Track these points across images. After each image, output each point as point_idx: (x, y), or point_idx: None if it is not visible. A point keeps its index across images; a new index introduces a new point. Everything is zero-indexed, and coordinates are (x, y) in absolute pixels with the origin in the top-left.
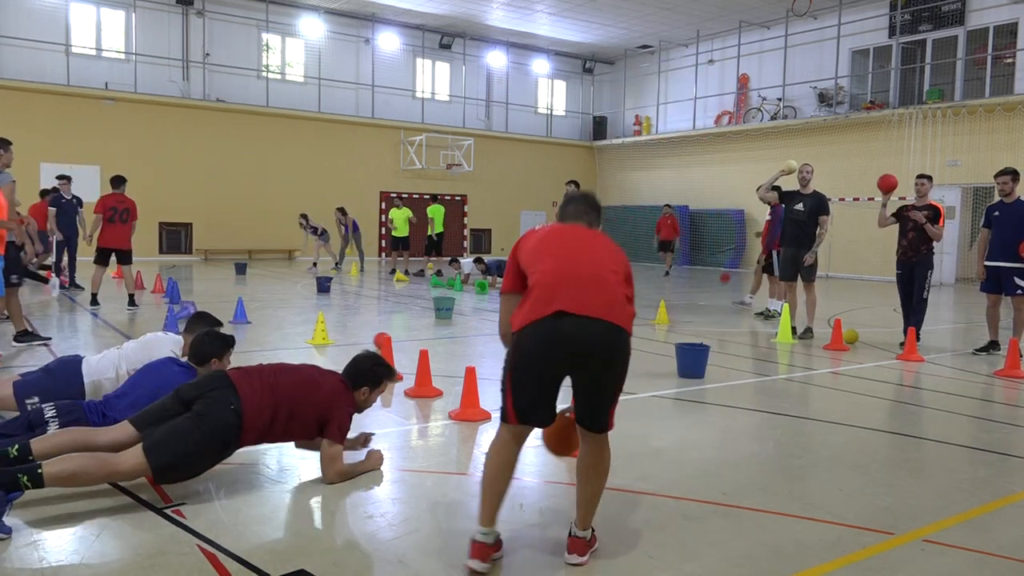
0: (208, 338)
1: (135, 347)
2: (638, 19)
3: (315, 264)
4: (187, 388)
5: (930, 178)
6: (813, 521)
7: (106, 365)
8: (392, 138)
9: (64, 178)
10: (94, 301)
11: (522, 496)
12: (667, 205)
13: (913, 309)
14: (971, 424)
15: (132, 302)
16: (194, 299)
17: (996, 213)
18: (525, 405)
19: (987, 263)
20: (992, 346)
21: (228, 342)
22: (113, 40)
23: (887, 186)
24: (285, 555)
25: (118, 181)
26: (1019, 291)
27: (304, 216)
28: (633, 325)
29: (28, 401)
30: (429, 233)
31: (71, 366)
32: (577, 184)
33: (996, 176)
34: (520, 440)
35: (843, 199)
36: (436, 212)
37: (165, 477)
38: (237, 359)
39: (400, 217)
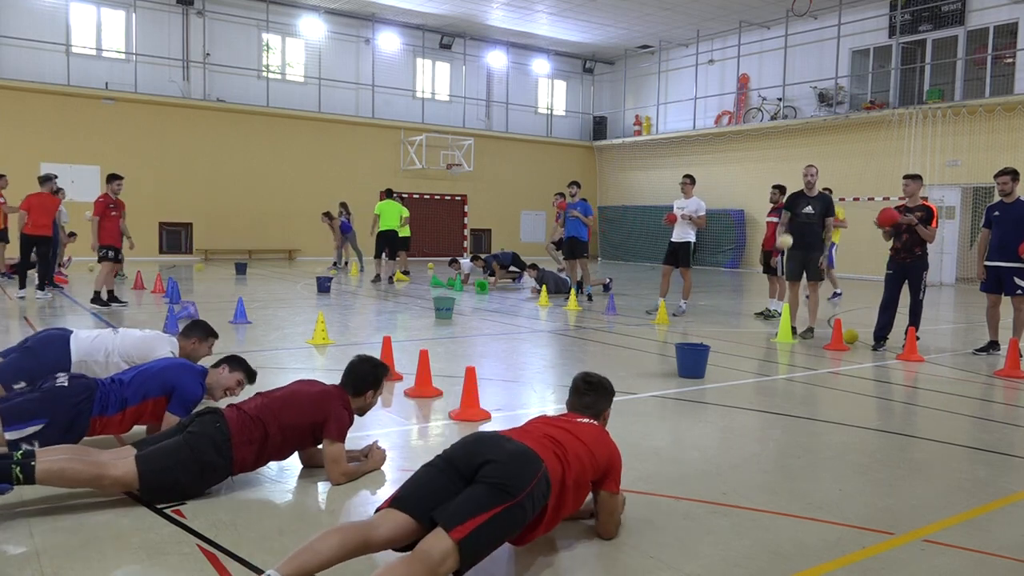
0: (247, 369)
1: (134, 341)
2: (638, 19)
3: (346, 263)
4: (186, 419)
5: (915, 177)
6: (813, 521)
7: (98, 347)
8: (392, 138)
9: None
10: (111, 298)
11: None
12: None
13: (910, 311)
14: (971, 424)
15: (96, 299)
16: (194, 299)
17: (996, 213)
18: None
19: (987, 263)
20: (992, 346)
21: (252, 376)
22: (113, 40)
23: (886, 220)
24: (285, 555)
25: (111, 177)
26: (1019, 291)
27: (344, 205)
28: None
29: (16, 387)
30: (383, 229)
31: (56, 342)
32: (579, 185)
33: (996, 176)
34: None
35: (843, 199)
36: (383, 209)
37: (152, 493)
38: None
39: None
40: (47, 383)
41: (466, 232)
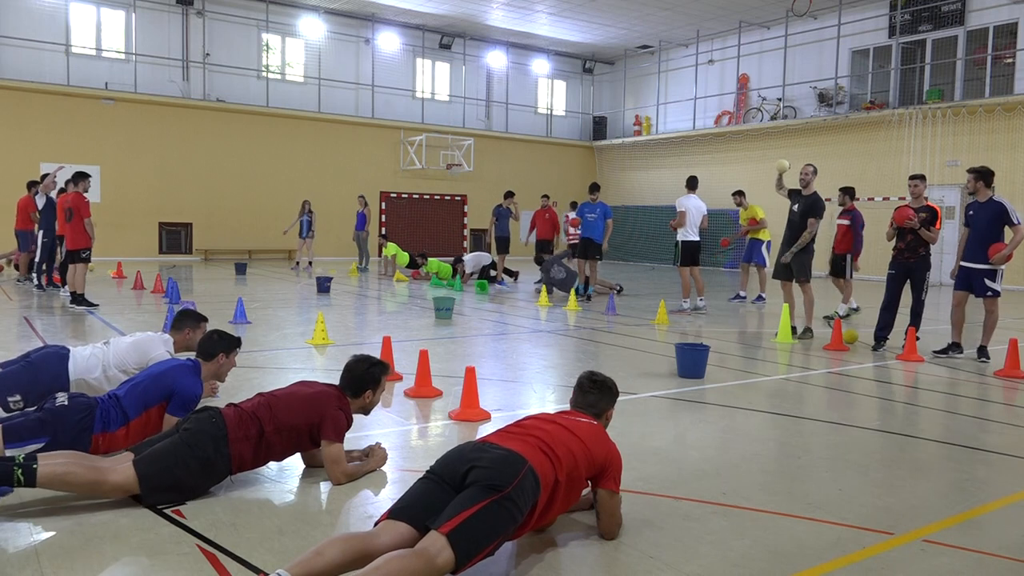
0: (218, 335)
1: (126, 348)
2: (638, 19)
3: (309, 263)
4: (182, 419)
5: (923, 178)
6: (813, 521)
7: (93, 363)
8: (392, 138)
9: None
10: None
11: None
12: (544, 196)
13: (911, 311)
14: (971, 424)
15: (74, 299)
16: (194, 299)
17: (971, 213)
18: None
19: (962, 263)
20: (954, 348)
21: (235, 342)
22: (113, 40)
23: (901, 219)
24: (285, 555)
25: (84, 176)
26: (990, 292)
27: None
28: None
29: (10, 399)
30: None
31: (56, 361)
32: (598, 187)
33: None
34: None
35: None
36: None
37: (153, 495)
38: (238, 359)
39: (393, 249)
40: (48, 403)
41: (466, 232)
